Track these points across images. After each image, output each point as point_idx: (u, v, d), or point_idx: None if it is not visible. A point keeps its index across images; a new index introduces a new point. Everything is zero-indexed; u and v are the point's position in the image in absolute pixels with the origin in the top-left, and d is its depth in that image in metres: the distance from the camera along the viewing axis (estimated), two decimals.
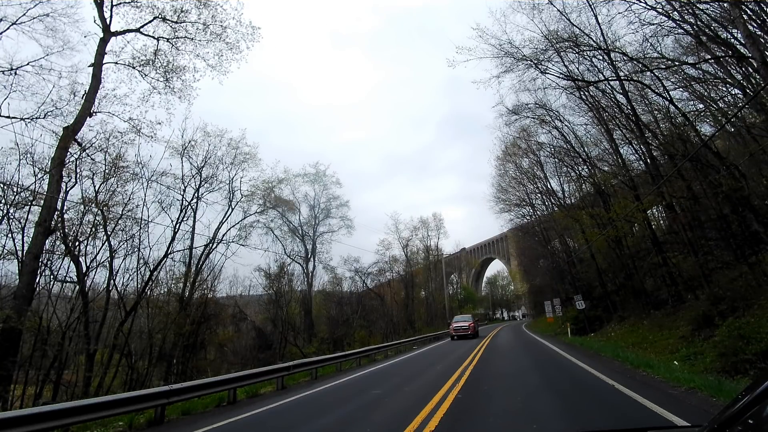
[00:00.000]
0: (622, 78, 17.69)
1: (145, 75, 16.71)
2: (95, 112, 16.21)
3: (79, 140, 15.06)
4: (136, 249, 19.45)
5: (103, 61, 15.63)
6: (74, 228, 18.81)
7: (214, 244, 23.78)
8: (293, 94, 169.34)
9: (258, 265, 34.64)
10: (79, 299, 18.36)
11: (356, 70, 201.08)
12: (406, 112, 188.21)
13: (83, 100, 14.70)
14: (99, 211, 18.78)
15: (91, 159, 15.85)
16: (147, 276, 17.26)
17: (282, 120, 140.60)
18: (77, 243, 18.41)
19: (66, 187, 18.59)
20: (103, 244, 19.26)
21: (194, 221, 24.11)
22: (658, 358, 11.18)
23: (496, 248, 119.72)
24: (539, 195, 40.97)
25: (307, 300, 34.07)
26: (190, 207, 24.34)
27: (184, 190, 20.66)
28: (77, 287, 18.87)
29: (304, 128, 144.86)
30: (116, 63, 16.06)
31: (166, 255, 17.80)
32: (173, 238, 18.18)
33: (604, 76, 18.98)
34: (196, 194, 24.54)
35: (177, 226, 18.73)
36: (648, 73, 16.76)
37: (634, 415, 5.49)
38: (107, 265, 19.40)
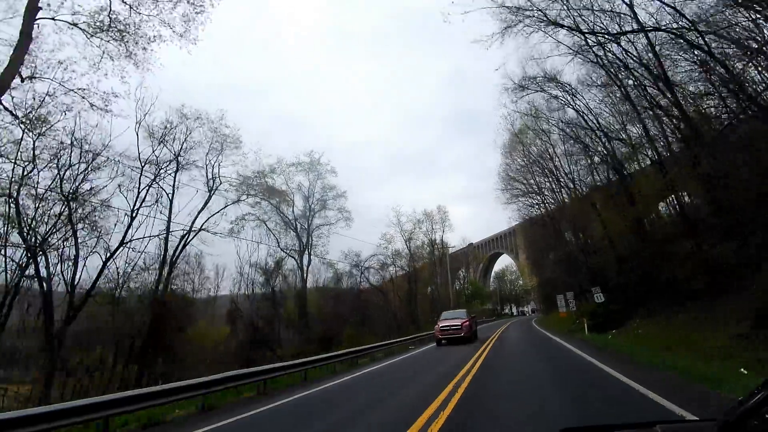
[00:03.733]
0: (648, 28, 14.68)
1: (92, 35, 14.16)
2: (32, 78, 13.78)
3: (7, 106, 12.61)
4: (99, 240, 17.09)
5: (37, 16, 13.12)
6: (34, 218, 16.52)
7: (190, 235, 21.38)
8: (296, 94, 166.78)
9: (251, 260, 32.22)
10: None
11: (359, 68, 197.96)
12: (410, 110, 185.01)
13: (8, 59, 12.20)
14: (64, 201, 16.44)
15: (27, 130, 13.40)
16: (100, 269, 14.77)
17: (285, 120, 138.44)
18: (34, 234, 16.11)
19: (23, 172, 16.35)
20: (65, 237, 16.95)
21: (170, 210, 21.71)
22: (713, 366, 8.29)
23: (504, 243, 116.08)
24: (549, 180, 37.98)
25: (301, 296, 31.53)
26: (166, 195, 21.96)
27: (155, 177, 18.14)
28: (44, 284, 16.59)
29: (307, 128, 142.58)
30: (53, 19, 13.53)
31: (122, 244, 15.30)
32: (129, 225, 15.69)
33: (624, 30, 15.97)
34: (173, 181, 22.15)
35: (135, 212, 16.22)
36: (681, 22, 13.75)
37: None
38: (72, 258, 17.10)
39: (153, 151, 20.43)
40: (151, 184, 18.00)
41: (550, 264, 40.41)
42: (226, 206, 23.25)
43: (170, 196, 21.97)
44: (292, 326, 32.45)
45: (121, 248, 15.54)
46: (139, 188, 16.73)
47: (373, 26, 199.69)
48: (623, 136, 21.75)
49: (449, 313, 22.58)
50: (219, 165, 23.37)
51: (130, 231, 16.23)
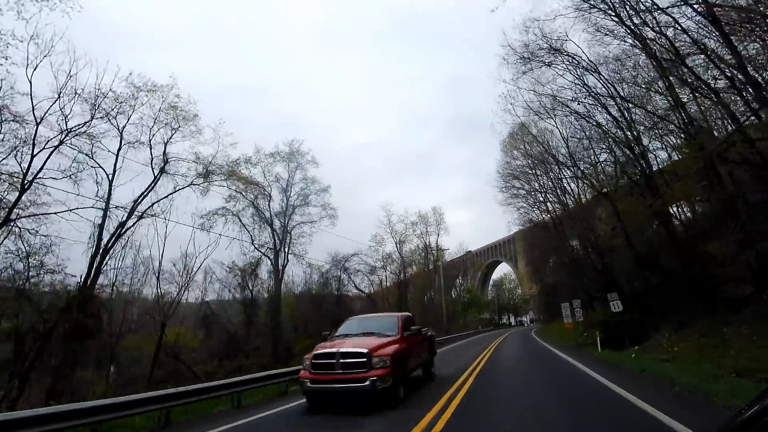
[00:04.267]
0: None
1: None
2: None
3: None
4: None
5: None
6: None
7: (130, 222, 17.86)
8: (295, 95, 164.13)
9: (223, 261, 28.51)
10: None
11: (358, 70, 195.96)
12: (410, 113, 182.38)
13: None
14: None
15: None
16: None
17: (283, 122, 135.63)
18: None
19: None
20: None
21: (109, 192, 18.22)
22: None
23: (503, 251, 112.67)
24: (552, 179, 34.48)
25: (274, 300, 27.84)
26: (106, 177, 18.50)
27: (61, 141, 14.60)
28: None
29: (307, 129, 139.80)
30: None
31: (6, 221, 11.70)
32: (19, 197, 12.10)
33: None
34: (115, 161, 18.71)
35: (27, 182, 12.61)
36: None
37: None
38: None
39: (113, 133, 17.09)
40: (59, 146, 14.43)
41: (553, 269, 36.81)
42: (176, 190, 19.69)
43: (110, 177, 18.52)
44: (265, 333, 28.75)
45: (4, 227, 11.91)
46: (32, 152, 13.05)
47: (373, 29, 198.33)
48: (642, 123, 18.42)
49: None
50: (167, 142, 19.84)
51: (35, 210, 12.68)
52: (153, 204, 18.84)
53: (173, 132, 20.29)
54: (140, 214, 18.34)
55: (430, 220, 52.05)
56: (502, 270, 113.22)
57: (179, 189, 19.76)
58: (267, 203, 30.41)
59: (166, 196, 19.15)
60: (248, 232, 29.77)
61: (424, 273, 51.53)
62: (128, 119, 19.06)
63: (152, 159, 19.22)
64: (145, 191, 18.71)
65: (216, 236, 25.11)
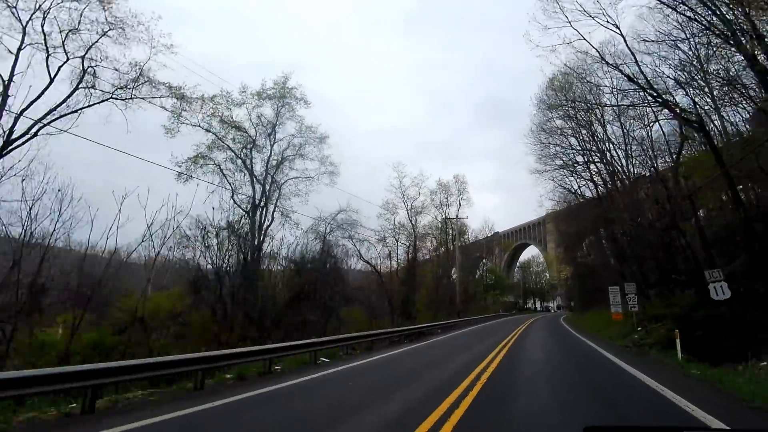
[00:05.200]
0: None
1: None
2: None
3: None
4: None
5: None
6: None
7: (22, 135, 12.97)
8: (320, 77, 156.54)
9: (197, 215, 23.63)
10: None
11: (387, 53, 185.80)
12: (439, 96, 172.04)
13: None
14: None
15: None
16: None
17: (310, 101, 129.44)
18: None
19: None
20: None
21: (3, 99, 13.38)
22: None
23: (531, 233, 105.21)
24: (596, 145, 27.50)
25: (250, 268, 22.93)
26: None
27: None
28: None
29: (333, 111, 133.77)
30: None
31: None
32: None
33: None
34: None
35: None
36: None
37: None
38: None
39: None
40: None
41: (594, 248, 30.13)
42: (90, 105, 14.54)
43: (5, 82, 13.63)
44: (243, 306, 24.04)
45: None
46: None
47: (404, 11, 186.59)
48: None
49: None
50: (90, 47, 14.68)
51: None
52: (59, 117, 13.84)
53: (100, 36, 15.10)
54: (40, 126, 13.41)
55: (452, 189, 45.70)
56: (530, 253, 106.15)
57: (94, 104, 14.63)
58: (249, 151, 25.24)
59: (76, 111, 14.08)
60: (229, 183, 24.82)
61: (442, 248, 45.73)
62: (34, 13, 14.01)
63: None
64: (44, 89, 13.73)
65: (192, 187, 20.22)
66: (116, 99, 14.95)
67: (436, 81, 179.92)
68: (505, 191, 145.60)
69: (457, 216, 39.98)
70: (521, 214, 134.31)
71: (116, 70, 14.93)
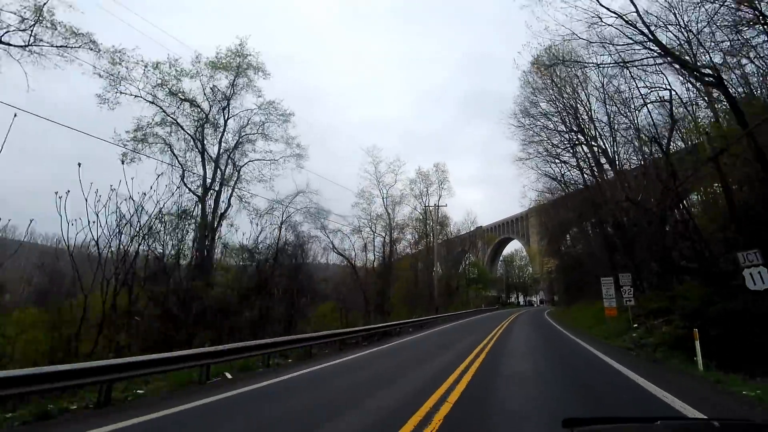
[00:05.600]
0: None
1: None
2: None
3: None
4: None
5: None
6: None
7: None
8: (306, 68, 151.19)
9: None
10: None
11: (374, 46, 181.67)
12: (426, 90, 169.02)
13: None
14: None
15: None
16: None
17: (294, 95, 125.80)
18: None
19: None
20: None
21: None
22: None
23: (514, 228, 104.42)
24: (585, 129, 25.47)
25: (197, 258, 20.02)
26: None
27: None
28: None
29: (318, 103, 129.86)
30: None
31: None
32: None
33: None
34: None
35: None
36: None
37: None
38: None
39: None
40: None
41: (581, 237, 28.12)
42: None
43: None
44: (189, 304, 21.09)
45: None
46: None
47: (388, 6, 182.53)
48: None
49: None
50: None
51: None
52: None
53: None
54: None
55: (432, 178, 43.34)
56: (513, 247, 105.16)
57: None
58: (201, 127, 22.18)
59: None
60: (180, 164, 21.74)
61: (423, 240, 43.36)
62: None
63: None
64: None
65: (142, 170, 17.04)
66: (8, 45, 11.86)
67: (422, 75, 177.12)
68: (489, 186, 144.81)
69: (437, 205, 37.52)
70: (504, 209, 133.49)
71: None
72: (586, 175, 27.87)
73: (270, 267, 20.61)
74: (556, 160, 29.18)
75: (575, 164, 28.33)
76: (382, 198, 32.09)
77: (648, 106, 22.38)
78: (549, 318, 28.34)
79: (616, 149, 24.77)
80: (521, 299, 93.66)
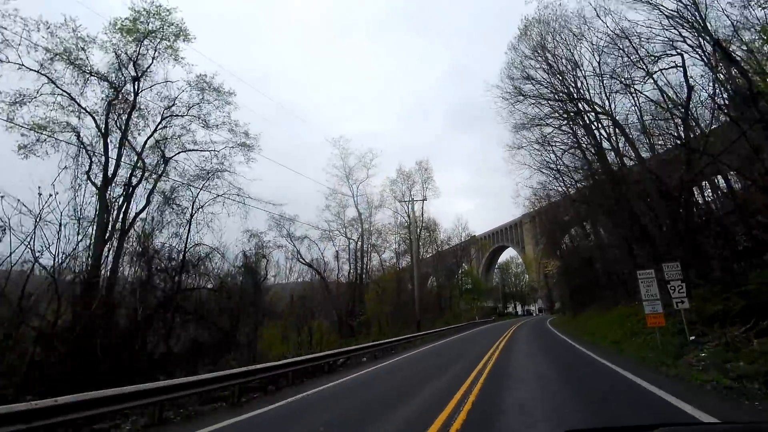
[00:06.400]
0: None
1: None
2: None
3: None
4: None
5: None
6: None
7: None
8: (294, 85, 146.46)
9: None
10: None
11: (357, 61, 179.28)
12: (413, 104, 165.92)
13: None
14: None
15: None
16: None
17: (283, 112, 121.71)
18: None
19: None
20: None
21: None
22: None
23: (508, 235, 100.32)
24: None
25: (92, 270, 14.77)
26: None
27: None
28: None
29: (305, 121, 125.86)
30: None
31: None
32: None
33: None
34: None
35: None
36: None
37: None
38: None
39: None
40: None
41: (591, 230, 23.22)
42: None
43: None
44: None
45: None
46: None
47: (372, 18, 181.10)
48: None
49: None
50: None
51: None
52: None
53: None
54: None
55: (415, 178, 38.61)
56: (508, 255, 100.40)
57: None
58: (107, 106, 17.14)
59: None
60: (87, 154, 16.63)
61: (408, 251, 38.26)
62: None
63: None
64: None
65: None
66: None
67: (410, 88, 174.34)
68: (480, 197, 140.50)
69: (414, 199, 32.53)
70: (498, 217, 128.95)
71: None
72: (590, 156, 23.30)
73: (173, 280, 15.31)
74: (553, 142, 24.63)
75: (575, 143, 23.74)
76: (353, 196, 27.11)
77: (655, 75, 18.25)
78: (556, 330, 23.10)
79: (628, 130, 20.30)
80: (519, 309, 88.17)
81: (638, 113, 19.18)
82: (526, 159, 26.09)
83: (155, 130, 18.67)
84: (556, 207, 32.16)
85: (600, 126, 21.53)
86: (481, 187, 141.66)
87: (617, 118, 19.57)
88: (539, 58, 21.99)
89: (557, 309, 57.96)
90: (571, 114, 20.42)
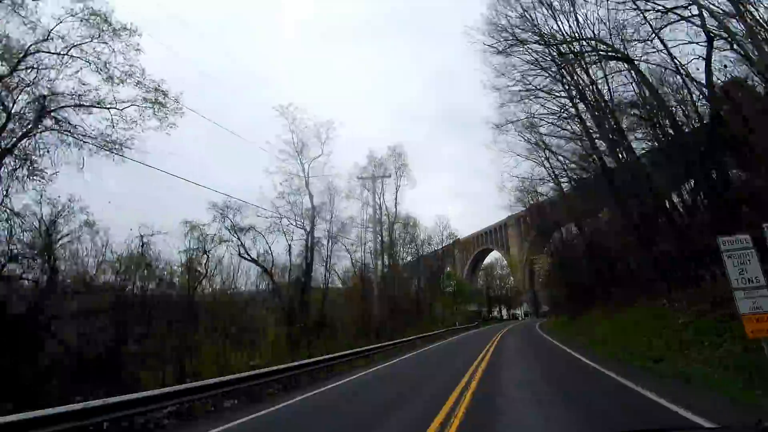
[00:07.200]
0: None
1: None
2: None
3: None
4: None
5: None
6: None
7: None
8: (278, 89, 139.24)
9: None
10: None
11: (345, 66, 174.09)
12: (399, 110, 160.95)
13: None
14: None
15: None
16: None
17: (270, 116, 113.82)
18: None
19: None
20: None
21: None
22: None
23: (493, 237, 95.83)
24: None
25: None
26: None
27: None
28: None
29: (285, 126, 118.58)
30: None
31: None
32: None
33: None
34: None
35: None
36: None
37: None
38: None
39: None
40: None
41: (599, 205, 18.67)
42: None
43: None
44: None
45: None
46: None
47: (357, 24, 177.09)
48: None
49: None
50: None
51: None
52: None
53: None
54: None
55: (388, 165, 33.64)
56: (493, 257, 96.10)
57: None
58: None
59: None
60: None
61: (382, 254, 33.22)
62: None
63: None
64: None
65: None
66: None
67: (391, 95, 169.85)
68: (465, 201, 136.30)
69: (395, 202, 27.52)
70: (482, 221, 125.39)
71: None
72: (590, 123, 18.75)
73: None
74: (543, 119, 20.14)
75: (572, 114, 19.21)
76: (305, 176, 21.78)
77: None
78: (553, 339, 18.14)
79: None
80: (504, 313, 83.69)
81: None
82: (514, 147, 21.90)
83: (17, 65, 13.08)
84: (548, 202, 27.87)
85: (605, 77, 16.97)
86: (465, 192, 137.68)
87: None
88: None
89: (544, 312, 53.44)
90: (569, 56, 15.69)
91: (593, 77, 17.50)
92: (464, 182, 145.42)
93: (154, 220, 33.38)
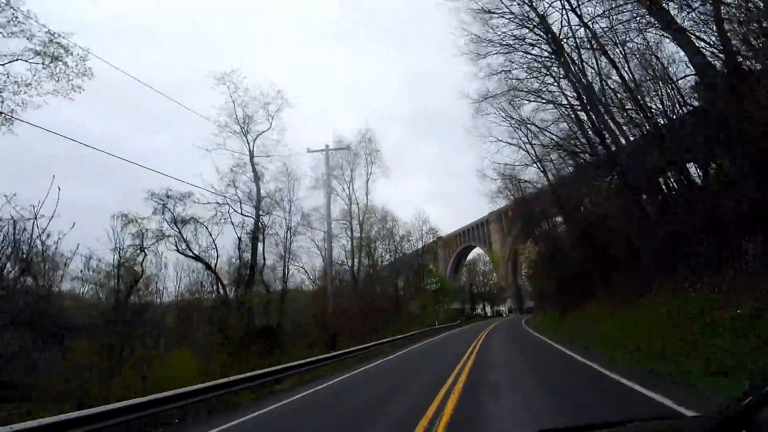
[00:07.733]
0: None
1: None
2: None
3: None
4: None
5: None
6: None
7: None
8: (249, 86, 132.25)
9: None
10: None
11: (319, 65, 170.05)
12: (373, 111, 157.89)
13: None
14: None
15: None
16: None
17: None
18: None
19: None
20: None
21: None
22: None
23: (475, 234, 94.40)
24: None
25: None
26: None
27: None
28: None
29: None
30: None
31: None
32: None
33: None
34: None
35: None
36: None
37: None
38: None
39: None
40: None
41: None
42: None
43: None
44: None
45: None
46: None
47: (331, 25, 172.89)
48: None
49: None
50: None
51: None
52: None
53: None
54: None
55: (358, 152, 30.39)
56: (476, 253, 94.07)
57: None
58: None
59: None
60: None
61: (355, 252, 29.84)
62: None
63: None
64: None
65: None
66: None
67: (364, 96, 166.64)
68: (445, 201, 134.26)
69: (366, 190, 24.11)
70: (463, 219, 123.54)
71: None
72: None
73: None
74: (524, 95, 17.27)
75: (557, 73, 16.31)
76: (249, 150, 18.10)
77: None
78: (550, 341, 14.96)
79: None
80: (488, 310, 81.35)
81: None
82: (494, 131, 19.66)
83: None
84: (533, 190, 25.16)
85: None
86: (442, 193, 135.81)
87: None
88: None
89: (529, 308, 50.94)
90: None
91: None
92: (441, 183, 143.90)
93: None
